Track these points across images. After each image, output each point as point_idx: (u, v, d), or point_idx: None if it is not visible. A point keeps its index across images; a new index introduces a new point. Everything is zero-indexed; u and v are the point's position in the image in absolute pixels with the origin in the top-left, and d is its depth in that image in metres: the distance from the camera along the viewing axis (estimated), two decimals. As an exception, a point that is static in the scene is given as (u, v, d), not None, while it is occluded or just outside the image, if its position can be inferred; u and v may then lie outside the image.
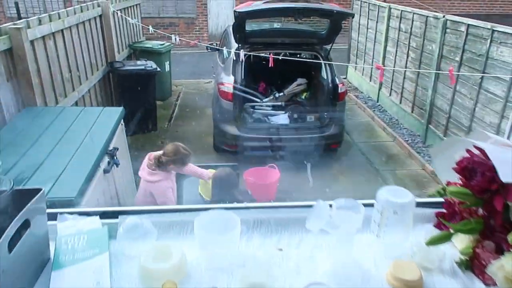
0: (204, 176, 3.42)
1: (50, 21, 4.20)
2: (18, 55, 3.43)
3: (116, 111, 3.52)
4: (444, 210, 1.06)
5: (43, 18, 4.06)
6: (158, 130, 6.55)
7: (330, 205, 0.98)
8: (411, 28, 6.55)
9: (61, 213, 1.10)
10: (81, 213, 1.11)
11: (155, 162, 3.02)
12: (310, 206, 0.96)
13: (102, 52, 5.98)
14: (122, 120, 3.59)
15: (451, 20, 5.52)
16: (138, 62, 6.36)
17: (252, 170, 4.68)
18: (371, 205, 1.00)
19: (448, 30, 5.58)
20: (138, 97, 6.11)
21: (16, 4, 7.68)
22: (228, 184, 3.18)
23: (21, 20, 3.69)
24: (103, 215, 1.10)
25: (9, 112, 3.34)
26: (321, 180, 5.16)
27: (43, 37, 3.97)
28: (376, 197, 1.01)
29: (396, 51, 7.10)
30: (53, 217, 1.06)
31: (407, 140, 6.26)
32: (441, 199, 1.06)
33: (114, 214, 1.09)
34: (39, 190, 0.94)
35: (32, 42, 3.72)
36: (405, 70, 6.76)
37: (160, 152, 3.11)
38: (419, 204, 1.05)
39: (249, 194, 3.34)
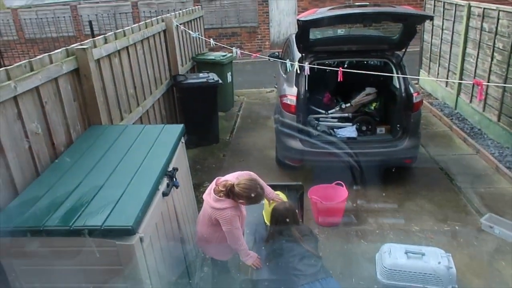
0: (269, 196, 3.18)
1: (116, 39, 4.27)
2: (84, 74, 3.48)
3: (177, 129, 3.42)
4: None
5: (108, 36, 4.12)
6: (219, 142, 6.48)
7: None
8: (497, 27, 5.83)
9: None
10: None
11: (225, 191, 2.81)
12: None
13: (166, 66, 6.04)
14: (183, 137, 3.50)
15: (548, 16, 4.80)
16: (201, 75, 6.35)
17: (317, 188, 4.38)
18: None
19: (544, 28, 4.85)
20: (200, 109, 6.10)
21: (90, 22, 8.13)
22: (286, 221, 2.91)
23: (87, 40, 3.76)
24: None
25: (75, 131, 3.38)
26: (395, 200, 4.70)
27: (108, 55, 4.03)
28: None
29: (478, 53, 6.38)
30: None
31: (494, 153, 5.55)
32: None
33: None
34: None
35: (97, 61, 3.78)
36: (489, 74, 6.04)
37: (231, 179, 2.90)
38: None
39: (311, 233, 3.00)
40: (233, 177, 2.94)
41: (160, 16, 6.01)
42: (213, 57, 7.61)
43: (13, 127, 2.64)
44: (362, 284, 3.50)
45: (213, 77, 6.18)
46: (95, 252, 2.25)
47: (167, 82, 6.02)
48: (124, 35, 4.51)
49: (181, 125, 3.49)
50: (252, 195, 2.77)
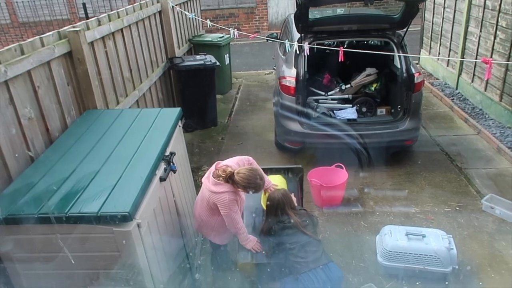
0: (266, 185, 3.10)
1: (110, 21, 4.15)
2: (77, 58, 3.39)
3: (174, 112, 3.35)
4: None
5: (102, 18, 4.00)
6: (217, 125, 6.42)
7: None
8: (500, 5, 5.69)
9: None
10: None
11: (225, 177, 2.77)
12: None
13: (162, 48, 5.93)
14: (180, 121, 3.43)
15: (553, -8, 4.67)
16: (198, 57, 6.24)
17: (317, 170, 4.34)
18: None
19: (549, 4, 4.73)
20: (198, 92, 6.01)
21: (84, 5, 7.95)
22: (283, 208, 2.87)
23: (80, 23, 3.65)
24: None
25: (70, 116, 3.31)
26: (396, 182, 4.67)
27: (102, 38, 3.92)
28: None
29: (481, 31, 6.25)
30: None
31: (495, 133, 5.49)
32: None
33: None
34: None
35: (91, 43, 3.68)
36: (492, 53, 5.93)
37: (232, 164, 2.86)
38: None
39: (309, 218, 2.94)
40: (233, 162, 2.90)
41: (155, -3, 5.85)
42: (210, 39, 7.47)
43: (5, 112, 2.57)
44: (363, 266, 3.49)
45: (210, 59, 6.07)
46: (92, 239, 2.22)
47: (164, 64, 5.92)
48: (118, 17, 4.39)
49: (178, 109, 3.42)
50: (251, 185, 2.73)
